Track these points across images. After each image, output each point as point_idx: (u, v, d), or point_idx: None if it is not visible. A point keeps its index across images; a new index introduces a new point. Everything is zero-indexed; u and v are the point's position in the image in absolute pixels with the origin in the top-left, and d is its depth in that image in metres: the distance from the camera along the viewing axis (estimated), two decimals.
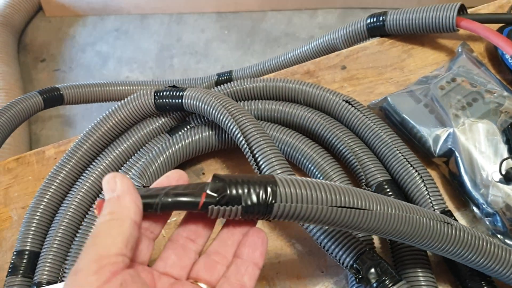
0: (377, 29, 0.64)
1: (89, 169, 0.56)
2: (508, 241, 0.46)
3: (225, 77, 0.78)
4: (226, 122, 0.50)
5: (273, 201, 0.33)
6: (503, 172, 0.46)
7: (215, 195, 0.32)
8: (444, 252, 0.40)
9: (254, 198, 0.32)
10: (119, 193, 0.31)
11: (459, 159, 0.49)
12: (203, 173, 0.57)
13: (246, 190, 0.32)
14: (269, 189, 0.33)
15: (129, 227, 0.30)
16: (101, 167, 0.55)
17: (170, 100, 0.55)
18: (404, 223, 0.37)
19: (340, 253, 0.43)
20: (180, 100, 0.54)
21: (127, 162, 0.55)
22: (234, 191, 0.32)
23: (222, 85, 0.58)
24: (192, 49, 1.84)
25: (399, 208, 0.37)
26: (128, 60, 1.88)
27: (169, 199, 0.32)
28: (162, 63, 1.83)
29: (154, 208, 0.32)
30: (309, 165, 0.52)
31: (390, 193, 0.49)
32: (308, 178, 0.35)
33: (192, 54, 1.83)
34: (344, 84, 0.61)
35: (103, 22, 2.05)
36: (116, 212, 0.30)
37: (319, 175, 0.52)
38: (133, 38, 1.94)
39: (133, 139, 0.56)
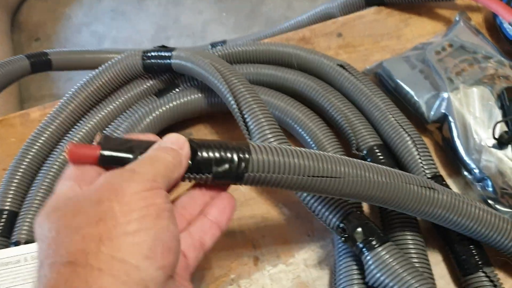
0: None
1: (73, 130, 0.54)
2: (498, 207, 0.45)
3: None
4: (216, 83, 0.49)
5: (244, 171, 0.33)
6: (496, 136, 0.45)
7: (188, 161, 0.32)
8: (428, 217, 0.39)
9: (226, 166, 0.33)
10: (184, 155, 0.32)
11: (452, 124, 0.47)
12: None
13: (217, 155, 0.32)
14: (241, 156, 0.33)
15: (178, 178, 0.31)
16: (86, 128, 0.53)
17: (159, 61, 0.53)
18: (382, 189, 0.37)
19: (327, 213, 0.42)
20: (169, 61, 0.53)
21: (113, 123, 0.53)
22: (205, 154, 0.32)
23: (214, 48, 0.56)
24: (189, 31, 1.82)
25: (378, 173, 0.37)
26: (123, 41, 1.85)
27: None
28: (157, 43, 1.79)
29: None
30: (300, 130, 0.51)
31: (381, 157, 0.47)
32: (283, 146, 0.35)
33: (189, 36, 1.81)
34: (339, 51, 0.60)
35: (100, 2, 2.02)
36: (177, 160, 0.31)
37: (310, 140, 0.50)
38: (130, 19, 1.92)
39: (120, 100, 0.55)
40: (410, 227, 0.44)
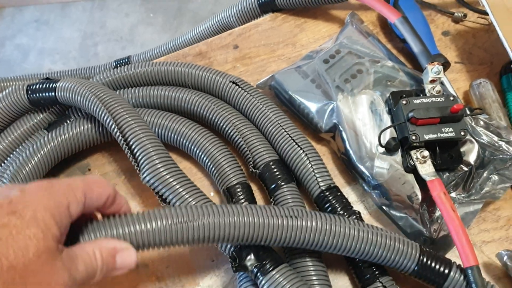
0: (268, 5, 0.61)
1: None
2: (394, 213, 0.45)
3: (123, 63, 0.74)
4: (99, 111, 0.47)
5: None
6: (383, 143, 0.45)
7: None
8: (300, 245, 0.40)
9: None
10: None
11: (343, 132, 0.47)
12: (89, 169, 0.53)
13: None
14: None
15: None
16: None
17: (43, 94, 0.51)
18: (232, 227, 0.37)
19: None
20: (53, 93, 0.50)
21: (3, 164, 0.51)
22: None
23: (102, 74, 0.54)
24: (117, 35, 1.77)
25: (229, 214, 0.37)
26: (50, 52, 1.78)
27: None
28: (85, 52, 1.75)
29: None
30: (197, 151, 0.50)
31: (277, 173, 0.47)
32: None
33: (117, 41, 1.75)
34: (236, 64, 0.59)
35: (22, 13, 1.93)
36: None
37: (207, 160, 0.49)
38: (54, 28, 1.84)
39: (8, 139, 0.52)
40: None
